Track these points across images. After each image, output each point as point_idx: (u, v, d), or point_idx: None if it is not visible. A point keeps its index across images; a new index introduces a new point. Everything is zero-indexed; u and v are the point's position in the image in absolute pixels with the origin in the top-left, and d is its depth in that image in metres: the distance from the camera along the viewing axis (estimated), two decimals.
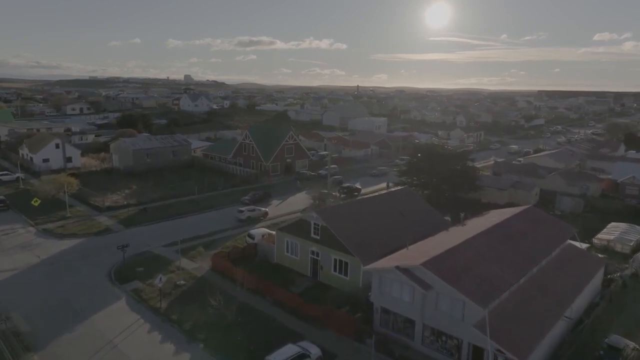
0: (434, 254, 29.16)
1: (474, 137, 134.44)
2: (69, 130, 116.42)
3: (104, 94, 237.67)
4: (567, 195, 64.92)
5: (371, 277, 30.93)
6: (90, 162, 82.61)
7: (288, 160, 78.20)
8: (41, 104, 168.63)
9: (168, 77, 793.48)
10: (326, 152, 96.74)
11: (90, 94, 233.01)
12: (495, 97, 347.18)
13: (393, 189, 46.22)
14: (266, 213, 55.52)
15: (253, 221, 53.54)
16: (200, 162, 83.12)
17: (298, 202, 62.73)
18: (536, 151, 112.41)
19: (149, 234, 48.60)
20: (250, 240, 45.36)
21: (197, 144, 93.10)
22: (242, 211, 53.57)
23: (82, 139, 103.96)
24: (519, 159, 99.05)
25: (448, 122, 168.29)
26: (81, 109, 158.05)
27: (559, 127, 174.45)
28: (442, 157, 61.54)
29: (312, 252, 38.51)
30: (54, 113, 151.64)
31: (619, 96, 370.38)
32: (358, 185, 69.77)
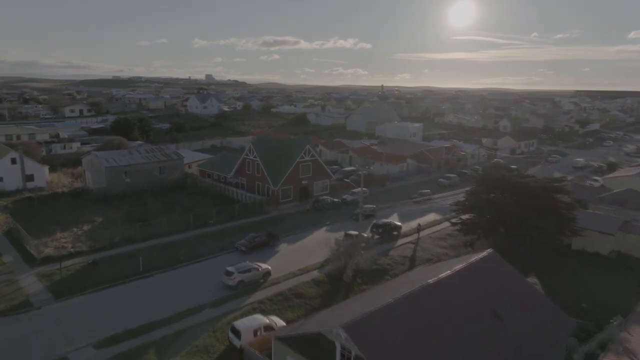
0: None
1: (527, 146, 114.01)
2: (56, 136, 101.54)
3: (114, 93, 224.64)
4: None
5: None
6: (61, 181, 66.60)
7: (304, 182, 60.33)
8: (39, 106, 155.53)
9: (189, 77, 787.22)
10: (352, 168, 78.59)
11: (98, 94, 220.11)
12: (534, 98, 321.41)
13: (474, 259, 27.53)
14: (267, 273, 37.78)
15: (247, 288, 35.89)
16: (194, 182, 66.01)
17: (317, 246, 44.75)
18: (610, 166, 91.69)
19: (82, 315, 31.40)
20: (234, 340, 27.71)
21: (193, 157, 75.96)
22: (230, 273, 35.86)
23: (64, 148, 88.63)
24: (595, 178, 78.67)
25: (489, 127, 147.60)
26: (81, 111, 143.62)
27: (619, 133, 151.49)
28: (525, 188, 42.59)
29: None
30: (49, 115, 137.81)
31: None
32: (397, 222, 51.30)
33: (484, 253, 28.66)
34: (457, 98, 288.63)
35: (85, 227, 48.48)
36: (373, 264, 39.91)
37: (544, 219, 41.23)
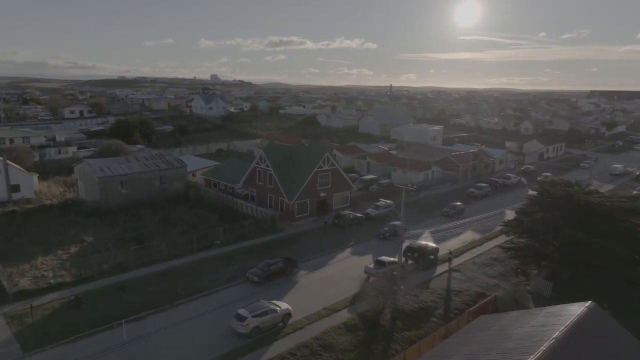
0: None
1: (554, 150, 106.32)
2: (52, 139, 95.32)
3: (117, 93, 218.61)
4: None
5: None
6: (51, 191, 60.04)
7: (322, 194, 53.33)
8: (39, 107, 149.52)
9: (195, 77, 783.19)
10: (373, 176, 71.58)
11: (102, 94, 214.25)
12: (545, 98, 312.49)
13: (573, 321, 20.32)
14: (288, 314, 30.74)
15: (263, 335, 28.91)
16: (197, 193, 59.16)
17: (342, 275, 37.90)
18: None
19: None
20: None
21: (197, 164, 69.06)
22: (243, 318, 28.82)
23: (60, 153, 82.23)
24: None
25: (510, 129, 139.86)
26: (81, 112, 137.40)
27: None
28: (596, 209, 35.32)
29: None
30: (48, 117, 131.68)
31: None
32: (432, 243, 44.16)
33: (583, 307, 21.46)
34: (471, 98, 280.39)
35: (73, 249, 41.80)
36: (415, 302, 32.88)
37: (620, 246, 33.99)
